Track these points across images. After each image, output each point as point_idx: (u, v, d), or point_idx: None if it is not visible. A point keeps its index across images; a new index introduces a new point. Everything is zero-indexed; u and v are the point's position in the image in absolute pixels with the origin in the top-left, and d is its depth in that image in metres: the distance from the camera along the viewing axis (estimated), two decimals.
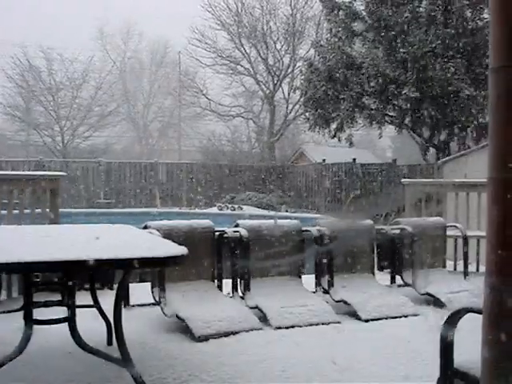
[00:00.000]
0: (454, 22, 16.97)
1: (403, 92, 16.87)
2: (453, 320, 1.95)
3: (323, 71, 18.50)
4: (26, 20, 36.81)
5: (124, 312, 2.89)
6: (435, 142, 19.32)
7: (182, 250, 2.57)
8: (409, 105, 17.90)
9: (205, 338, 4.13)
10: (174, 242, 2.96)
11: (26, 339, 2.59)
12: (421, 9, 17.56)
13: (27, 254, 2.39)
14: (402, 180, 8.04)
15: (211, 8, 29.41)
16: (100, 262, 2.41)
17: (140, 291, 4.98)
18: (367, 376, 3.49)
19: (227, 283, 5.05)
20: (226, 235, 5.01)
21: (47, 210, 6.03)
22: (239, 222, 5.18)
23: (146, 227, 4.71)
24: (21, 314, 2.70)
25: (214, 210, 20.08)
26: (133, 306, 5.00)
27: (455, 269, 6.50)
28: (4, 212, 5.59)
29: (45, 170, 18.96)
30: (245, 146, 35.19)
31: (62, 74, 33.19)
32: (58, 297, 2.86)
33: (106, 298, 3.83)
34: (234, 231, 5.02)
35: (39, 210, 5.98)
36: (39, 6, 41.27)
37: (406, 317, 4.91)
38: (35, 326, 2.63)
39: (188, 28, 30.78)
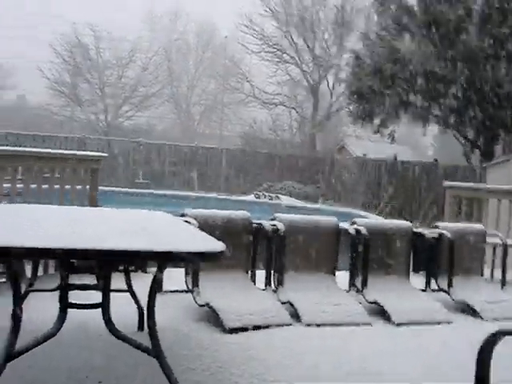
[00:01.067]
0: (509, 21, 16.54)
1: (451, 91, 16.55)
2: (489, 343, 1.88)
3: (370, 65, 18.27)
4: None
5: (156, 297, 2.89)
6: (479, 144, 18.93)
7: (220, 247, 2.56)
8: (455, 104, 17.56)
9: (235, 331, 4.13)
10: (211, 231, 2.96)
11: (61, 321, 2.62)
12: (475, 6, 17.11)
13: (65, 239, 2.41)
14: (444, 183, 7.91)
15: None
16: (137, 253, 2.43)
17: (174, 277, 5.00)
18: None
19: (261, 275, 5.05)
20: (262, 227, 5.01)
21: (87, 187, 6.12)
22: (276, 215, 5.17)
23: (183, 215, 4.73)
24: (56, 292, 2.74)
25: (251, 197, 20.09)
26: (165, 291, 5.01)
27: (492, 277, 6.38)
28: (45, 186, 5.68)
29: (87, 147, 19.27)
30: (286, 134, 35.04)
31: (109, 53, 33.63)
32: (93, 279, 2.89)
33: (139, 280, 3.86)
34: (271, 224, 5.01)
35: (79, 187, 6.07)
36: None
37: (438, 324, 4.83)
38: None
39: (236, 13, 30.77)
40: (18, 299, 2.61)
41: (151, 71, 35.18)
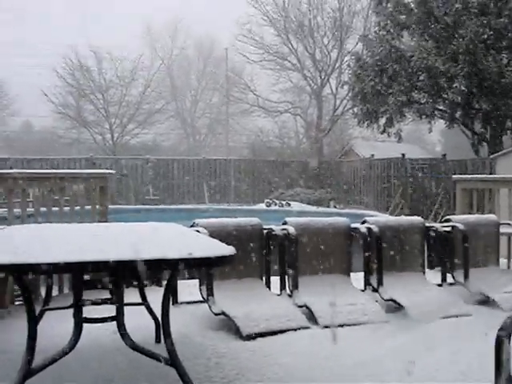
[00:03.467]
0: (507, 11, 16.50)
1: (454, 85, 16.52)
2: (509, 324, 1.87)
3: (371, 65, 18.30)
4: (77, 20, 37.53)
5: (172, 309, 2.89)
6: (487, 137, 18.85)
7: (230, 251, 2.55)
8: (460, 98, 17.50)
9: (252, 337, 4.11)
10: (222, 240, 2.94)
11: (76, 337, 2.62)
12: None
13: (76, 254, 2.41)
14: (453, 176, 7.87)
15: (258, 4, 29.48)
16: (148, 263, 2.42)
17: (189, 288, 5.00)
18: (418, 377, 3.41)
19: (275, 281, 5.03)
20: (273, 233, 4.99)
21: (97, 206, 6.13)
22: (287, 219, 5.15)
23: (193, 225, 4.72)
24: (71, 310, 2.73)
25: (262, 206, 20.10)
26: (181, 303, 5.01)
27: (509, 267, 6.33)
28: (55, 209, 5.70)
29: (95, 167, 19.33)
30: (292, 141, 35.16)
31: (111, 73, 33.75)
32: (107, 294, 2.88)
33: (154, 294, 3.85)
34: (282, 229, 4.99)
35: (89, 207, 6.08)
36: (88, 6, 42.26)
37: (457, 317, 4.78)
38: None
39: (235, 24, 30.92)
40: (33, 318, 2.61)
41: (154, 87, 35.29)
